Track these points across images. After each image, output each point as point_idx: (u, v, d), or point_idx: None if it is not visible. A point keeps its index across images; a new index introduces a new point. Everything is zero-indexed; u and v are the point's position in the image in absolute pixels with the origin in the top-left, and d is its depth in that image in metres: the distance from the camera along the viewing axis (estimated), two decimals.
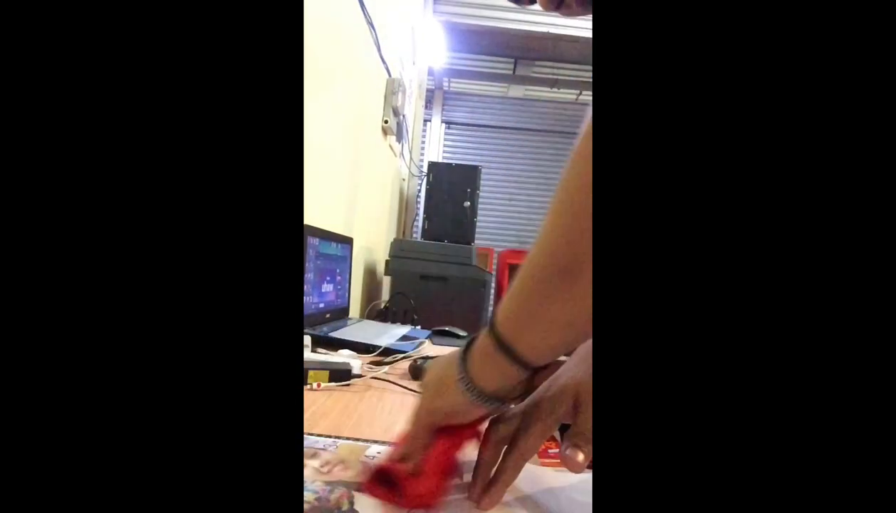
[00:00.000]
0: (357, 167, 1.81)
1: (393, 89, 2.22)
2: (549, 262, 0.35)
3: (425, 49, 3.18)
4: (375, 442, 0.49)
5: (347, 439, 0.50)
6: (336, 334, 1.03)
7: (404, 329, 1.33)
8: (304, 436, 0.50)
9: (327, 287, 1.26)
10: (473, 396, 0.38)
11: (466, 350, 0.40)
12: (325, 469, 0.42)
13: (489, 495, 0.39)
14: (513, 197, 3.81)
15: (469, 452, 0.42)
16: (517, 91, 4.04)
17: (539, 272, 0.36)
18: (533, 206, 3.78)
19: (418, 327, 1.46)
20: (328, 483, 0.40)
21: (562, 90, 3.93)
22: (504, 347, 0.37)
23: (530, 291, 0.36)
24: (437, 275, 1.96)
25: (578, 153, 0.33)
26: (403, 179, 3.22)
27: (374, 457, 0.46)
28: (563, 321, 0.35)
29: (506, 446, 0.40)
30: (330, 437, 0.50)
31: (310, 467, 0.43)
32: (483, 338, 0.39)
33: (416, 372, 0.81)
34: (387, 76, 2.20)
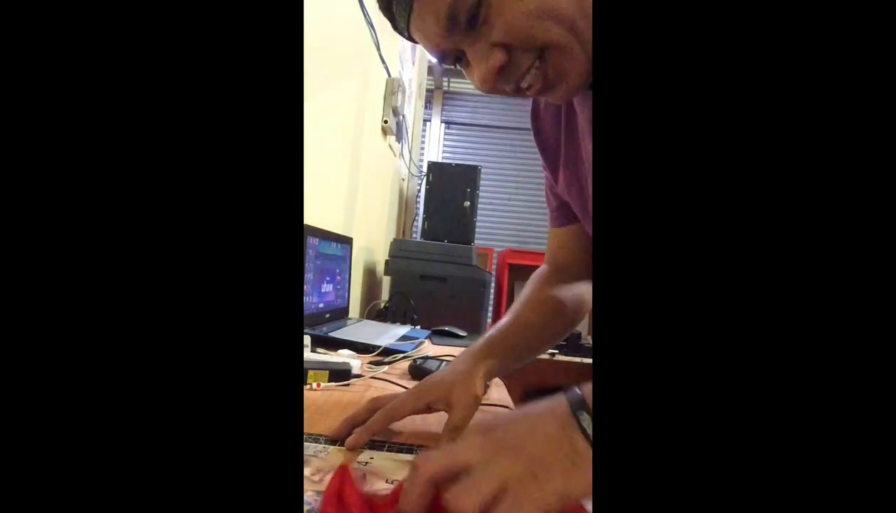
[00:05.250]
0: (357, 167, 1.81)
1: (393, 89, 2.22)
2: None
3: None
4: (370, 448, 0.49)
5: (335, 442, 0.48)
6: (336, 334, 1.03)
7: (404, 329, 1.33)
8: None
9: (327, 287, 1.26)
10: None
11: (583, 408, 0.33)
12: (317, 477, 0.40)
13: (356, 435, 0.48)
14: (512, 197, 3.80)
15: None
16: None
17: None
18: (533, 206, 3.77)
19: (418, 327, 1.46)
20: (319, 493, 0.37)
21: None
22: None
23: None
24: (436, 275, 1.96)
25: None
26: (403, 179, 3.22)
27: (366, 463, 0.44)
28: None
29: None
30: (319, 440, 0.48)
31: None
32: None
33: (415, 372, 0.80)
34: (386, 76, 2.20)
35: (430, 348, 1.14)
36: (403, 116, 2.58)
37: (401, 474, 0.42)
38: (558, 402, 0.35)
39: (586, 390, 0.34)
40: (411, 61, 2.90)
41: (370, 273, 2.21)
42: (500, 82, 0.47)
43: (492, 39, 0.44)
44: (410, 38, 0.49)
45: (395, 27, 0.48)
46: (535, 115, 0.66)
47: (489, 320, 2.37)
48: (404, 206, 3.36)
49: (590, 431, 0.32)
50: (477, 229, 2.46)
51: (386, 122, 2.22)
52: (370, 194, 2.16)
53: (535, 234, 3.69)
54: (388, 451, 0.47)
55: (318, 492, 0.38)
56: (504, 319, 0.66)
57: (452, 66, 0.49)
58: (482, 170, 2.50)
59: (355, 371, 0.75)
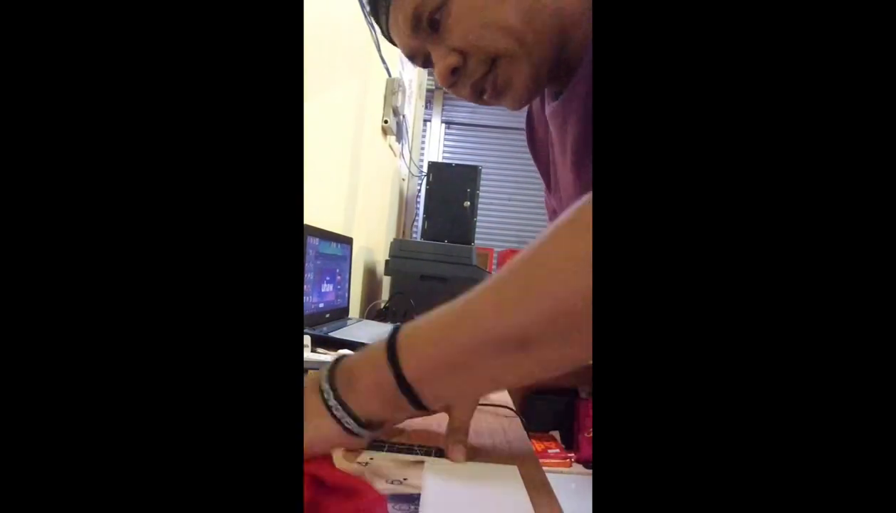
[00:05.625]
0: (357, 167, 1.81)
1: (393, 89, 2.22)
2: (508, 332, 0.34)
3: None
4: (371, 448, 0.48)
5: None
6: (336, 334, 1.03)
7: None
8: None
9: (327, 287, 1.26)
10: (352, 424, 0.38)
11: (333, 374, 0.39)
12: None
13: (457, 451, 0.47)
14: (512, 197, 3.80)
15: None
16: None
17: (488, 336, 0.35)
18: (532, 206, 3.77)
19: None
20: None
21: None
22: (407, 388, 0.37)
23: (469, 349, 0.36)
24: (436, 275, 1.96)
25: (563, 235, 0.35)
26: (403, 179, 3.22)
27: (366, 463, 0.43)
28: (492, 381, 0.39)
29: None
30: None
31: None
32: (376, 371, 0.38)
33: None
34: (387, 76, 2.20)
35: None
36: (404, 116, 2.58)
37: (401, 473, 0.42)
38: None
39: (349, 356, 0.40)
40: None
41: (370, 273, 2.21)
42: (458, 85, 0.53)
43: (451, 44, 0.50)
44: (391, 41, 0.55)
45: (382, 31, 0.54)
46: (529, 124, 0.68)
47: None
48: (404, 206, 3.36)
49: (324, 386, 0.38)
50: (477, 229, 2.46)
51: (386, 122, 2.23)
52: (370, 194, 2.17)
53: (535, 234, 3.66)
54: (388, 451, 0.47)
55: None
56: None
57: (422, 67, 0.55)
58: (482, 170, 2.50)
59: None
